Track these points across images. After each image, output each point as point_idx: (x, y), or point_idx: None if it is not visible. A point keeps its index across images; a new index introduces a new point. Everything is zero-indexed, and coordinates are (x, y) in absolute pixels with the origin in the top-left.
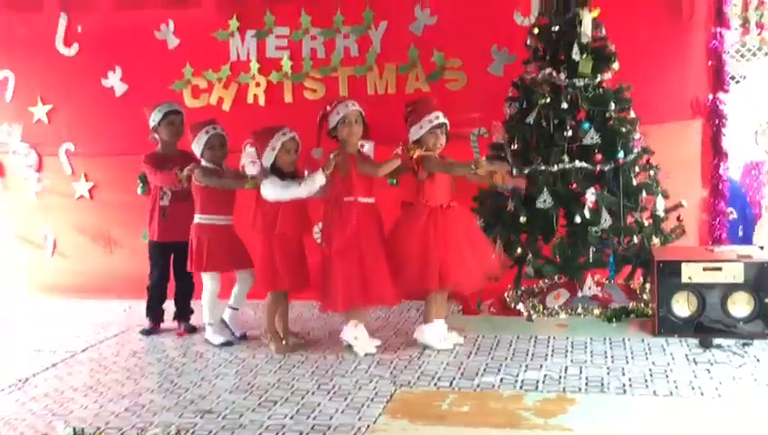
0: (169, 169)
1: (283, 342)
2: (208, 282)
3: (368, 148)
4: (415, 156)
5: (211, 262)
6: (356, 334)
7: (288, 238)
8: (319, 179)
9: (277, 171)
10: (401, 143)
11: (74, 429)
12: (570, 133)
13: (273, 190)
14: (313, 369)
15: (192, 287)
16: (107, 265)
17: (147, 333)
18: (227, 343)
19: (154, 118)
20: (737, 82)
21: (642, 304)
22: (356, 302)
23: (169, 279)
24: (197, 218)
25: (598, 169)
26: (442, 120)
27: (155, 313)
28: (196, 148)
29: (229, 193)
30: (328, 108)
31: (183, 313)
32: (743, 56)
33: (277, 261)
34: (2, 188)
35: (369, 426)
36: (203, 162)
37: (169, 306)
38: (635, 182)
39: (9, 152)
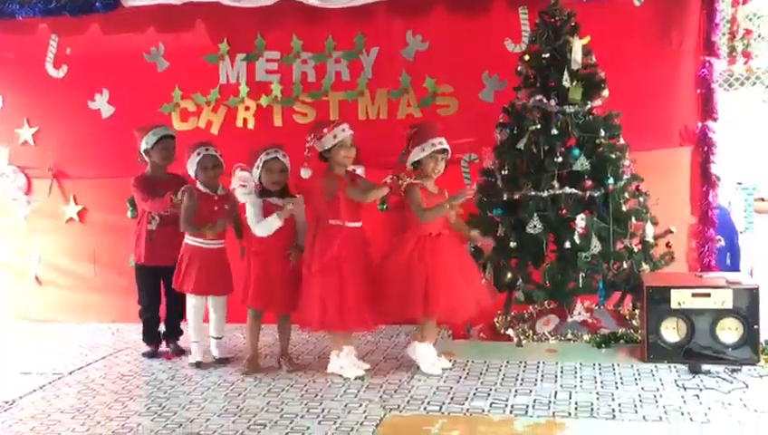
0: (160, 195)
1: (281, 365)
2: (191, 299)
3: (359, 172)
4: (404, 185)
5: (186, 282)
6: (341, 364)
7: (268, 257)
8: (275, 224)
9: (264, 190)
10: (392, 173)
11: None
12: (560, 159)
13: (250, 220)
14: (303, 392)
15: (182, 308)
16: (94, 286)
17: (149, 355)
18: (198, 364)
19: (147, 141)
20: None
21: (631, 330)
22: (330, 324)
23: (161, 301)
24: (186, 238)
25: (587, 195)
26: (445, 145)
27: (151, 335)
28: (190, 168)
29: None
30: (325, 130)
31: (172, 333)
32: (730, 85)
33: (252, 278)
34: None
35: None
36: (197, 184)
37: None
38: (624, 208)
39: None
